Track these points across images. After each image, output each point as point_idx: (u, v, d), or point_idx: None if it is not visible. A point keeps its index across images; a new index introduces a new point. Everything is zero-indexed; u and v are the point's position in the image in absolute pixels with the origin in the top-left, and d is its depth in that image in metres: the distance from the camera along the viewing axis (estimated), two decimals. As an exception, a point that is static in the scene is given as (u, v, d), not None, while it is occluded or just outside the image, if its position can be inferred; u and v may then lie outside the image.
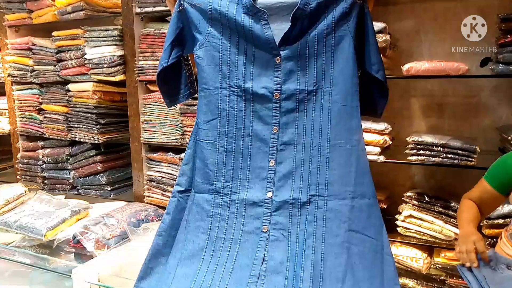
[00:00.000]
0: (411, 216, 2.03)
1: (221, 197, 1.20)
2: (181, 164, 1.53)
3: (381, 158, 1.98)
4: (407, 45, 2.19)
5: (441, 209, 1.98)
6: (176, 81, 1.32)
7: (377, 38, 1.89)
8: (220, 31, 1.19)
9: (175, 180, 2.32)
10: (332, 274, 1.10)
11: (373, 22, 1.91)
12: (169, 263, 1.21)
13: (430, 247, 2.05)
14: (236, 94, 1.19)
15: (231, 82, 1.19)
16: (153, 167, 2.46)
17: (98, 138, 2.58)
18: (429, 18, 2.14)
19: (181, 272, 1.17)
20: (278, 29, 1.15)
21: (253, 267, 1.13)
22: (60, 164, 2.81)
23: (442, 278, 1.98)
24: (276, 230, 1.16)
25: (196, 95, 1.32)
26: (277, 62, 1.16)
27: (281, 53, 1.15)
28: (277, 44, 1.14)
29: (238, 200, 1.19)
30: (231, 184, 1.20)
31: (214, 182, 1.21)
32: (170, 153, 2.40)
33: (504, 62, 1.74)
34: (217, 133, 1.21)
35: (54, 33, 2.62)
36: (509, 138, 1.79)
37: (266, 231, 1.16)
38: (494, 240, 1.84)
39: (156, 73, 1.28)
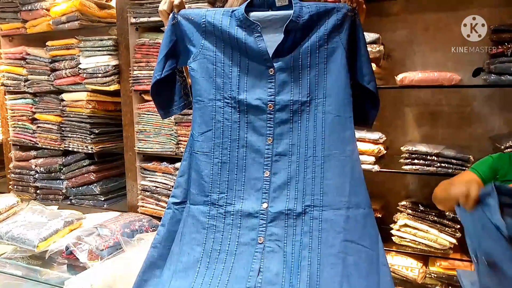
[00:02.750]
0: (406, 225, 2.03)
1: (217, 208, 1.20)
2: (176, 175, 1.52)
3: (376, 168, 1.99)
4: (400, 56, 2.21)
5: (435, 218, 1.99)
6: (170, 93, 1.32)
7: (371, 49, 1.93)
8: (214, 43, 1.20)
9: (169, 190, 2.32)
10: (328, 285, 1.10)
11: (367, 33, 1.96)
12: (164, 275, 1.20)
13: (425, 256, 2.05)
14: (230, 105, 1.20)
15: (225, 93, 1.20)
16: (147, 177, 2.44)
17: (91, 148, 2.56)
18: (421, 28, 2.16)
19: (175, 285, 1.16)
20: (271, 41, 1.16)
21: (248, 278, 1.12)
22: (53, 174, 2.78)
23: (437, 287, 1.98)
24: (271, 241, 1.16)
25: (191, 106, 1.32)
26: (271, 73, 1.17)
27: (274, 64, 1.16)
28: (270, 56, 1.16)
29: (233, 211, 1.19)
30: (226, 196, 1.20)
31: (210, 194, 1.20)
32: (165, 162, 2.39)
33: (496, 72, 1.76)
34: (212, 145, 1.21)
35: (49, 43, 2.62)
36: (502, 147, 1.81)
37: (261, 243, 1.16)
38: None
39: (150, 86, 1.28)
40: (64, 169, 2.74)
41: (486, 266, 1.13)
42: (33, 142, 2.82)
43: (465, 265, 1.94)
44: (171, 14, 1.23)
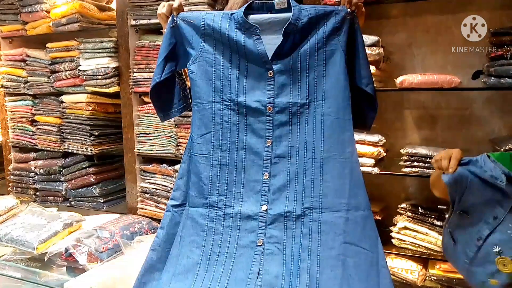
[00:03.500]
0: (405, 228, 2.02)
1: (216, 211, 1.20)
2: (175, 177, 1.52)
3: (375, 170, 1.99)
4: (400, 58, 2.21)
5: (435, 220, 1.98)
6: (169, 96, 1.33)
7: (370, 51, 1.93)
8: (213, 46, 1.20)
9: (169, 192, 2.32)
10: (328, 287, 1.10)
11: (367, 35, 1.96)
12: (163, 278, 1.20)
13: (425, 259, 2.05)
14: (229, 108, 1.20)
15: (224, 96, 1.20)
16: (147, 179, 2.44)
17: (91, 150, 2.56)
18: (421, 31, 2.16)
19: (175, 287, 1.16)
20: (270, 44, 1.16)
21: (248, 281, 1.12)
22: (52, 175, 2.78)
23: (437, 290, 1.98)
24: (271, 243, 1.16)
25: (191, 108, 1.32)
26: (270, 76, 1.17)
27: (273, 67, 1.16)
28: (269, 58, 1.16)
29: (232, 213, 1.19)
30: (226, 198, 1.20)
31: (209, 196, 1.20)
32: (164, 164, 2.39)
33: (495, 75, 1.76)
34: (211, 147, 1.21)
35: (48, 45, 2.62)
36: (502, 149, 1.80)
37: (261, 245, 1.16)
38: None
39: (150, 89, 1.28)
40: (63, 171, 2.73)
41: (459, 216, 1.33)
42: (32, 144, 2.82)
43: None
44: (170, 17, 1.24)
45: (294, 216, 1.16)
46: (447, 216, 1.43)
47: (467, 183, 1.27)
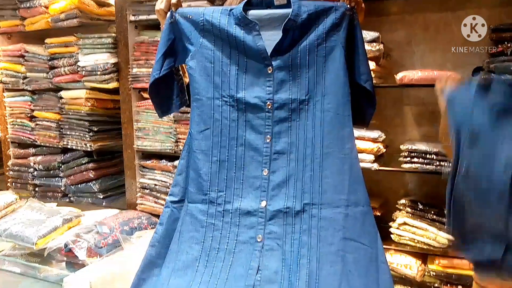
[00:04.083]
0: (405, 224, 2.03)
1: (215, 207, 1.20)
2: (174, 173, 1.52)
3: (375, 166, 1.99)
4: (399, 56, 2.21)
5: (434, 216, 1.99)
6: (168, 92, 1.32)
7: (370, 47, 1.93)
8: (212, 42, 1.20)
9: (168, 188, 2.32)
10: (328, 282, 1.09)
11: (367, 32, 1.95)
12: (162, 274, 1.19)
13: (424, 255, 2.06)
14: (228, 104, 1.20)
15: (223, 92, 1.19)
16: (146, 175, 2.44)
17: (90, 146, 2.56)
18: (421, 28, 2.16)
19: (174, 283, 1.16)
20: (269, 40, 1.16)
21: (247, 277, 1.12)
22: (51, 171, 2.78)
23: (436, 285, 1.98)
24: (270, 239, 1.16)
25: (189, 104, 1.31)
26: (269, 72, 1.16)
27: (273, 63, 1.16)
28: (268, 54, 1.15)
29: (232, 210, 1.19)
30: (225, 194, 1.20)
31: (208, 192, 1.20)
32: (164, 160, 2.39)
33: (495, 71, 1.76)
34: (210, 143, 1.20)
35: (47, 40, 2.61)
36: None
37: (260, 241, 1.16)
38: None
39: (148, 85, 1.28)
40: (62, 166, 2.73)
41: (467, 139, 1.14)
42: (31, 140, 2.82)
43: (463, 263, 1.94)
44: (169, 13, 1.23)
45: (293, 212, 1.16)
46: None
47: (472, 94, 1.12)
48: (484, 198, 1.11)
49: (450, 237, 1.94)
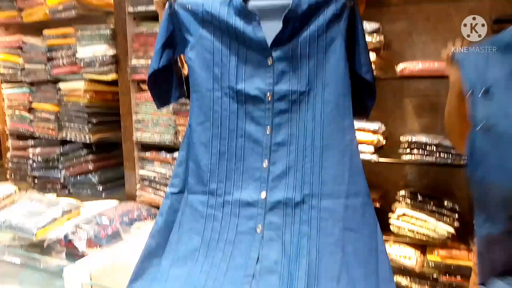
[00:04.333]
0: (404, 215, 2.04)
1: (215, 198, 1.20)
2: (174, 164, 1.52)
3: (375, 157, 1.99)
4: (400, 46, 2.20)
5: (434, 207, 2.00)
6: (167, 84, 1.31)
7: (371, 38, 1.92)
8: (212, 33, 1.19)
9: (167, 179, 2.32)
10: (327, 272, 1.10)
11: (367, 23, 1.94)
12: (162, 264, 1.20)
13: (423, 246, 2.07)
14: (228, 95, 1.19)
15: (223, 83, 1.19)
16: (146, 166, 2.44)
17: (89, 138, 2.55)
18: (421, 19, 2.15)
19: (174, 273, 1.16)
20: (269, 31, 1.15)
21: (247, 267, 1.13)
22: (50, 163, 2.78)
23: (435, 276, 2.00)
24: (270, 230, 1.16)
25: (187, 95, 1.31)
26: (269, 63, 1.16)
27: (273, 54, 1.15)
28: (269, 45, 1.14)
29: (231, 201, 1.19)
30: (225, 185, 1.20)
31: (208, 183, 1.20)
32: (163, 152, 2.39)
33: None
34: (210, 135, 1.20)
35: (45, 32, 2.59)
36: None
37: (260, 231, 1.16)
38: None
39: (147, 76, 1.27)
40: (62, 158, 2.73)
41: (483, 95, 1.09)
42: (30, 132, 2.81)
43: (462, 254, 1.95)
44: (167, 3, 1.22)
45: (293, 203, 1.16)
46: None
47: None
48: (505, 153, 1.05)
49: (450, 228, 1.95)
